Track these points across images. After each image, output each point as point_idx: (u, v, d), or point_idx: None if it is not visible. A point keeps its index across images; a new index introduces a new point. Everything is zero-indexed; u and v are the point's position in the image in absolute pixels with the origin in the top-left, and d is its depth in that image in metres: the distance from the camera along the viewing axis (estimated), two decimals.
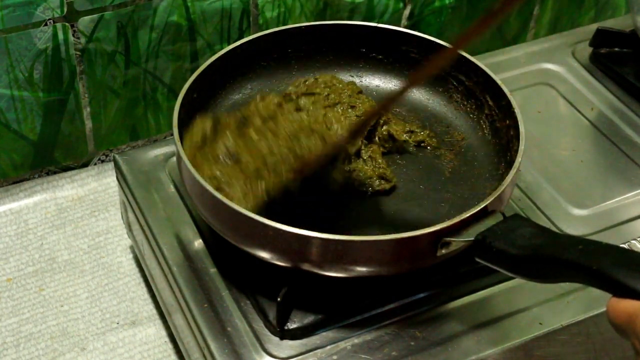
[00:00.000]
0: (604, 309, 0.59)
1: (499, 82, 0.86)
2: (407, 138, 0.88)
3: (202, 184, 0.75)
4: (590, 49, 1.10)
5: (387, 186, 0.83)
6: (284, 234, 0.71)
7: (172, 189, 0.89)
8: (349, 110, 0.88)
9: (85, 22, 0.94)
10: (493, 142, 0.87)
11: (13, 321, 0.90)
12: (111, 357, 0.88)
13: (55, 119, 1.00)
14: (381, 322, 0.77)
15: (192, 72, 0.85)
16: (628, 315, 0.57)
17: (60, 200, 1.01)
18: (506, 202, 0.78)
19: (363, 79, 0.95)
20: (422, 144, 0.88)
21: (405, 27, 1.11)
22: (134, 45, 0.98)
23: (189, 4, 0.98)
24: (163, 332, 0.90)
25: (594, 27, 1.10)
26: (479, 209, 0.73)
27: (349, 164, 0.84)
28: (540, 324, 0.78)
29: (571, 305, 0.80)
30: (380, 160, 0.84)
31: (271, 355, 0.74)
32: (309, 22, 1.00)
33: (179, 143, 0.78)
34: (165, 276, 0.82)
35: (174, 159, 0.91)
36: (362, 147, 0.85)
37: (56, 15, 0.92)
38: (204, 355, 0.76)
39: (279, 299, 0.74)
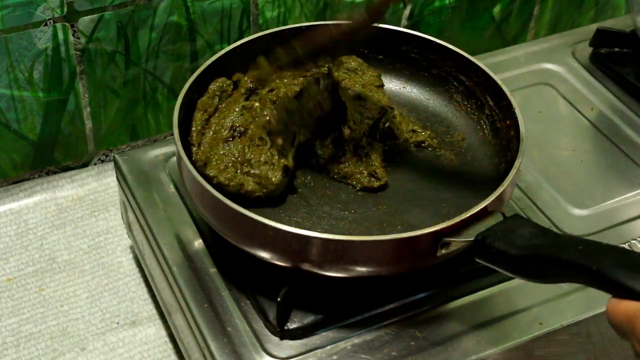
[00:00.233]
0: (604, 309, 0.59)
1: (499, 82, 0.86)
2: (408, 137, 0.88)
3: (202, 184, 0.75)
4: (590, 49, 1.10)
5: (375, 184, 0.83)
6: (284, 234, 0.71)
7: (172, 189, 0.89)
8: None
9: (85, 22, 0.94)
10: (493, 142, 0.87)
11: (13, 321, 0.90)
12: (111, 357, 0.88)
13: (55, 119, 1.00)
14: (381, 322, 0.77)
15: (192, 72, 0.85)
16: (628, 316, 0.57)
17: (60, 200, 1.01)
18: (506, 202, 0.78)
19: None
20: (423, 145, 0.88)
21: (405, 27, 1.11)
22: (134, 45, 0.98)
23: (189, 4, 0.98)
24: (163, 332, 0.90)
25: (594, 27, 1.10)
26: (479, 209, 0.73)
27: (343, 155, 0.84)
28: (540, 324, 0.78)
29: (571, 305, 0.80)
30: (374, 157, 0.84)
31: (271, 355, 0.74)
32: (309, 22, 1.00)
33: (179, 143, 0.78)
34: (165, 276, 0.82)
35: (174, 159, 0.91)
36: (363, 142, 0.85)
37: (56, 15, 0.92)
38: (204, 355, 0.76)
39: (279, 299, 0.74)
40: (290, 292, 0.75)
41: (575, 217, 0.89)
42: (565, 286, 0.81)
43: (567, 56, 1.10)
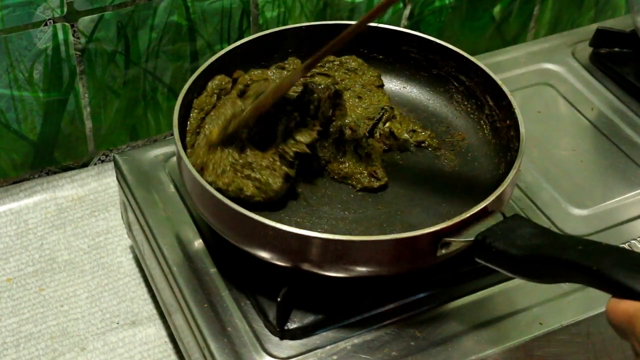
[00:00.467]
0: (604, 309, 0.59)
1: (499, 82, 0.86)
2: (408, 137, 0.88)
3: (202, 184, 0.75)
4: (590, 49, 1.10)
5: (375, 184, 0.83)
6: (284, 234, 0.71)
7: (172, 189, 0.89)
8: (356, 99, 0.88)
9: (85, 22, 0.94)
10: (493, 142, 0.87)
11: (13, 321, 0.90)
12: (111, 357, 0.88)
13: (55, 119, 1.00)
14: (381, 322, 0.77)
15: (192, 72, 0.85)
16: (628, 316, 0.57)
17: (60, 200, 1.01)
18: (506, 202, 0.78)
19: None
20: (423, 144, 0.88)
21: (405, 27, 1.11)
22: (134, 45, 0.98)
23: (189, 4, 0.98)
24: (163, 332, 0.90)
25: (594, 27, 1.10)
26: (479, 209, 0.73)
27: (344, 155, 0.84)
28: (540, 324, 0.78)
29: (571, 305, 0.80)
30: (375, 157, 0.84)
31: (271, 355, 0.74)
32: (309, 22, 1.00)
33: (179, 143, 0.78)
34: (165, 276, 0.82)
35: (174, 159, 0.91)
36: (363, 142, 0.85)
37: (56, 15, 0.92)
38: (204, 355, 0.76)
39: (279, 299, 0.74)
40: (290, 292, 0.75)
41: (575, 217, 0.89)
42: (565, 286, 0.81)
43: (567, 56, 1.10)
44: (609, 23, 1.15)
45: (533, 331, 0.78)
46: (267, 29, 0.95)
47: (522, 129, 0.81)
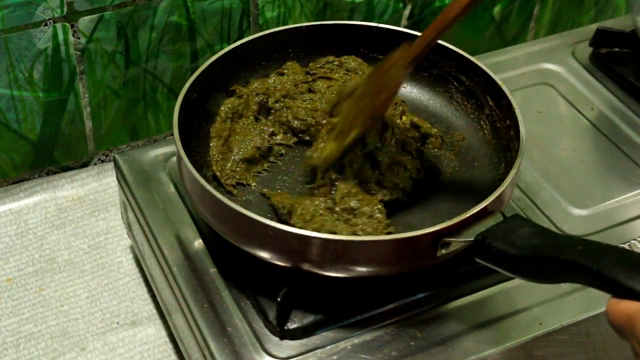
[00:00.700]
0: (604, 309, 0.59)
1: (499, 82, 0.86)
2: (430, 125, 0.88)
3: (202, 184, 0.75)
4: (590, 49, 1.10)
5: (402, 197, 0.81)
6: (284, 234, 0.71)
7: (172, 189, 0.89)
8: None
9: (85, 22, 0.94)
10: (493, 142, 0.87)
11: (13, 321, 0.90)
12: (111, 357, 0.88)
13: (55, 119, 1.00)
14: (381, 322, 0.77)
15: (192, 72, 0.85)
16: (627, 316, 0.57)
17: (60, 200, 1.01)
18: (506, 202, 0.78)
19: None
20: (427, 142, 0.88)
21: (405, 27, 1.11)
22: (134, 45, 0.98)
23: (189, 4, 0.98)
24: (163, 332, 0.90)
25: (594, 27, 1.10)
26: (479, 209, 0.73)
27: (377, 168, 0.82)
28: (540, 324, 0.78)
29: (571, 305, 0.80)
30: (404, 173, 0.82)
31: (271, 355, 0.74)
32: (309, 22, 1.00)
33: (179, 143, 0.78)
34: (165, 276, 0.82)
35: (174, 159, 0.91)
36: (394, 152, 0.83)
37: (56, 15, 0.92)
38: (204, 355, 0.76)
39: (279, 299, 0.74)
40: (290, 292, 0.75)
41: (575, 217, 0.89)
42: (565, 286, 0.81)
43: (567, 56, 1.10)
44: (609, 23, 1.15)
45: (533, 331, 0.78)
46: (267, 29, 0.95)
47: (522, 129, 0.81)
